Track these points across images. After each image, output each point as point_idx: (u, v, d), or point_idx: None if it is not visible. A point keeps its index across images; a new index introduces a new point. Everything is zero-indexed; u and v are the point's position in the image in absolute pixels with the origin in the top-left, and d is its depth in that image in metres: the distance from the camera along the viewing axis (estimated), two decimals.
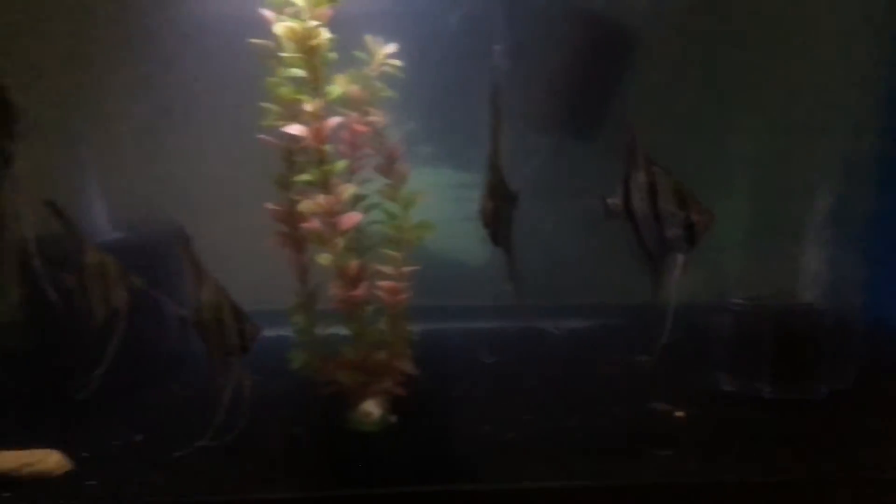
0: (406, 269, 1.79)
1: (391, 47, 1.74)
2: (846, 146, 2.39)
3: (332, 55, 1.61)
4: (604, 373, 2.08)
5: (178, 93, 2.15)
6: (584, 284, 2.36)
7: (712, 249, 1.61)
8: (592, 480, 1.56)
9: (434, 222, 1.83)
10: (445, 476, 1.60)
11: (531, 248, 2.28)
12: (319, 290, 1.83)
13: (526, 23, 2.16)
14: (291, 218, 1.77)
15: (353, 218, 1.69)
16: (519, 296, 1.71)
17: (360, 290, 1.74)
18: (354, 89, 1.69)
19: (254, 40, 1.68)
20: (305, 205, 1.66)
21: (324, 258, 1.72)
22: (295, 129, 1.61)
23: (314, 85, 1.59)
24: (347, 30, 1.67)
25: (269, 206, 1.77)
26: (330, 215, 1.68)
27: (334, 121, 1.62)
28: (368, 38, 1.73)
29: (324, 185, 1.66)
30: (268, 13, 1.69)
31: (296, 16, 1.62)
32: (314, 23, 1.55)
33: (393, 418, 1.77)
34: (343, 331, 1.81)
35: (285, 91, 1.67)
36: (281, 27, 1.55)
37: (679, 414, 1.81)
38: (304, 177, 1.66)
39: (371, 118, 1.77)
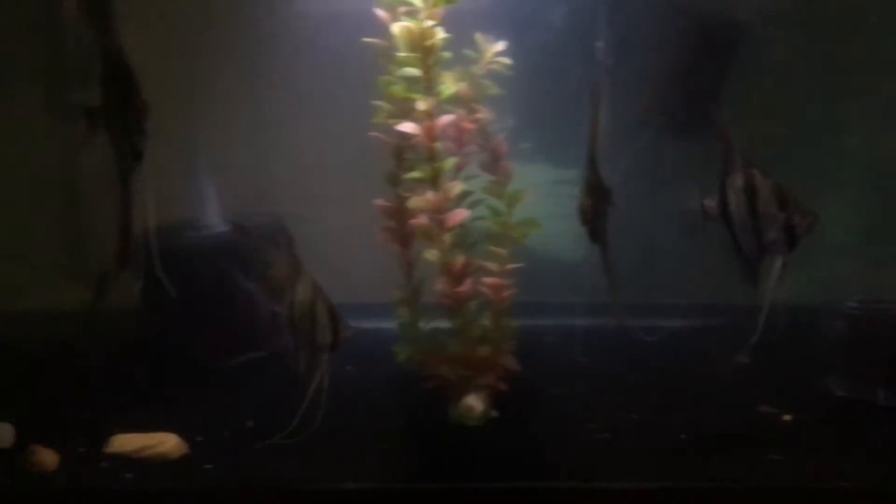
0: (510, 265, 1.80)
1: (500, 45, 1.75)
2: None
3: (446, 54, 1.62)
4: (705, 373, 2.05)
5: (289, 90, 2.21)
6: (683, 283, 2.33)
7: (824, 251, 1.58)
8: (701, 482, 1.55)
9: (537, 220, 1.84)
10: (548, 473, 1.61)
11: (629, 245, 2.29)
12: (423, 284, 1.86)
13: (630, 18, 2.14)
14: (400, 214, 1.80)
15: (460, 214, 1.71)
16: (613, 293, 1.69)
17: (465, 286, 1.76)
18: (462, 87, 1.70)
19: (368, 39, 1.72)
20: (415, 201, 1.69)
21: (431, 254, 1.74)
22: (408, 126, 1.63)
23: (428, 84, 1.61)
24: (451, 25, 1.69)
25: (379, 202, 1.80)
26: (438, 212, 1.71)
27: (446, 119, 1.64)
28: (478, 37, 1.74)
29: (433, 182, 1.68)
30: (382, 13, 1.73)
31: (410, 15, 1.65)
32: (430, 22, 1.57)
33: (494, 413, 1.79)
34: (445, 325, 1.83)
35: (397, 89, 1.70)
36: (398, 27, 1.58)
37: (787, 417, 1.78)
38: (415, 174, 1.69)
39: (477, 115, 1.78)
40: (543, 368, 2.01)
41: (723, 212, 1.59)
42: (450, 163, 1.67)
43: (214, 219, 2.08)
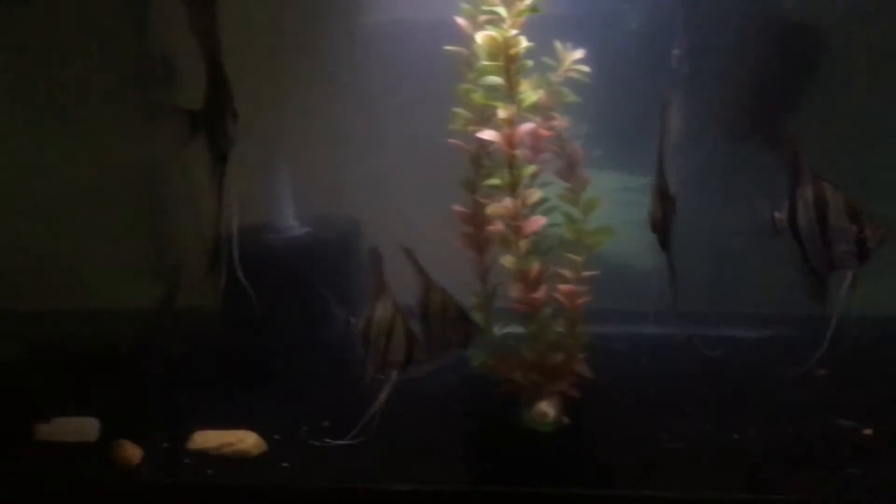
0: (585, 273, 1.80)
1: (579, 53, 1.75)
2: None
3: (529, 63, 1.63)
4: (780, 384, 2.02)
5: (366, 94, 2.24)
6: (757, 292, 2.30)
7: None
8: (778, 495, 1.54)
9: (612, 227, 1.84)
10: (621, 481, 1.61)
11: (702, 253, 2.27)
12: (497, 289, 1.87)
13: (707, 24, 2.13)
14: (476, 220, 1.82)
15: (537, 222, 1.72)
16: (674, 302, 1.67)
17: (540, 293, 1.76)
18: (541, 94, 1.71)
19: (449, 47, 1.74)
20: (493, 208, 1.70)
21: (507, 260, 1.76)
22: (488, 133, 1.65)
23: (509, 92, 1.62)
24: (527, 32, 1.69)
25: (457, 207, 1.82)
26: (515, 218, 1.72)
27: (526, 126, 1.65)
28: (558, 45, 1.74)
29: (512, 189, 1.69)
30: (462, 21, 1.75)
31: (491, 23, 1.67)
32: (514, 31, 1.58)
33: (566, 420, 1.80)
34: (520, 330, 1.84)
35: (477, 97, 1.71)
36: (481, 36, 1.59)
37: (867, 432, 1.75)
38: (494, 181, 1.70)
39: (554, 122, 1.79)
40: (614, 376, 2.01)
41: (792, 224, 1.58)
42: (529, 170, 1.68)
43: (292, 221, 2.12)
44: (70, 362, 2.16)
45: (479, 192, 1.81)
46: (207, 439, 1.76)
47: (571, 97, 1.78)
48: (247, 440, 1.75)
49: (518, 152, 1.67)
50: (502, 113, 1.64)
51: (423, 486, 1.61)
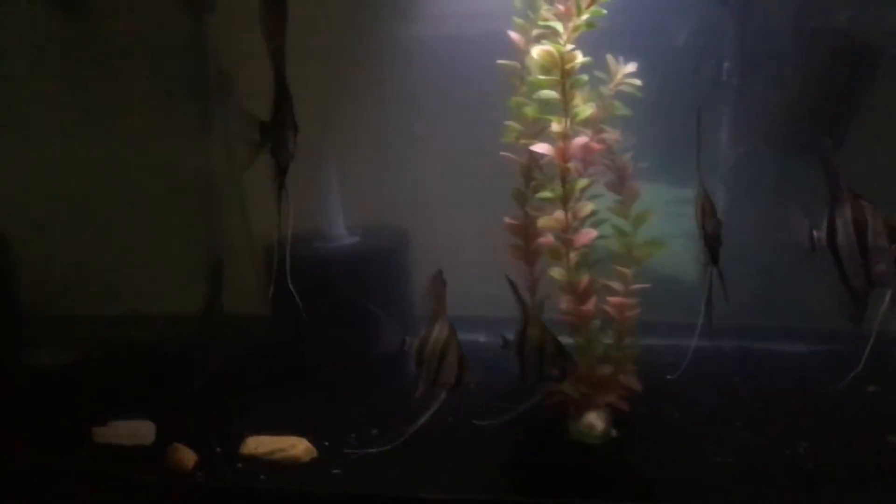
0: (636, 286, 1.80)
1: (631, 66, 1.76)
2: None
3: (584, 77, 1.65)
4: (829, 400, 2.01)
5: (413, 104, 2.27)
6: (803, 306, 2.28)
7: None
8: None
9: (662, 240, 1.84)
10: (670, 495, 1.61)
11: (747, 267, 2.26)
12: (546, 301, 1.88)
13: (758, 39, 2.12)
14: (526, 232, 1.83)
15: (588, 234, 1.73)
16: (708, 315, 1.69)
17: (590, 305, 1.77)
18: (594, 108, 1.72)
19: (501, 61, 1.76)
20: (545, 220, 1.71)
21: (557, 272, 1.77)
22: (542, 147, 1.66)
23: (564, 106, 1.63)
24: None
25: (508, 219, 1.84)
26: (566, 231, 1.73)
27: (580, 140, 1.66)
28: (610, 58, 1.75)
29: (564, 202, 1.70)
30: (515, 35, 1.77)
31: (545, 37, 1.68)
32: (570, 46, 1.60)
33: (614, 432, 1.80)
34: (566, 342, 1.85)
35: (530, 110, 1.73)
36: (538, 51, 1.61)
37: None
38: (546, 193, 1.71)
39: (605, 135, 1.79)
40: (663, 389, 2.00)
41: (831, 243, 1.57)
42: (581, 183, 1.69)
43: (341, 230, 2.15)
44: (126, 366, 2.21)
45: (529, 204, 1.82)
46: (259, 444, 1.78)
47: (623, 110, 1.79)
48: (298, 446, 1.77)
49: (571, 165, 1.68)
50: (556, 126, 1.66)
51: (470, 495, 1.62)
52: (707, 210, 1.62)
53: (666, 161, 2.32)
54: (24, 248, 2.35)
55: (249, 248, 2.35)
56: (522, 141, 1.77)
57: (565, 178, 1.68)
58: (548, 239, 1.77)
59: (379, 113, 2.27)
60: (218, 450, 1.80)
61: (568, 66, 1.60)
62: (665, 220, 2.17)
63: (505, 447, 1.80)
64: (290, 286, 1.56)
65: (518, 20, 1.78)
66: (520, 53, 1.79)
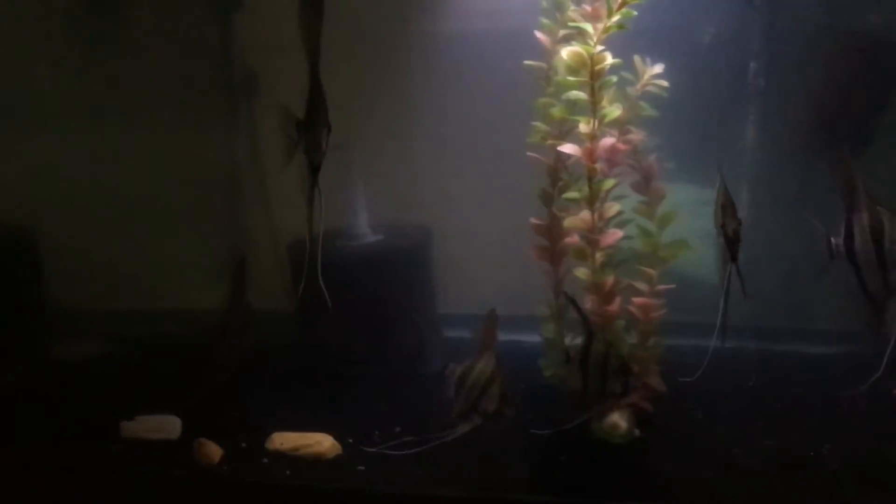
0: (660, 286, 1.81)
1: (658, 67, 1.76)
2: None
3: (613, 78, 1.65)
4: (851, 402, 2.00)
5: (436, 102, 2.28)
6: (826, 308, 2.28)
7: None
8: None
9: (687, 241, 1.84)
10: (694, 496, 1.61)
11: (770, 268, 2.25)
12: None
13: (786, 40, 2.12)
14: (551, 232, 1.84)
15: (614, 235, 1.73)
16: (724, 314, 1.68)
17: (614, 305, 1.78)
18: (622, 110, 1.72)
19: (528, 62, 1.77)
20: (571, 221, 1.72)
21: (582, 272, 1.77)
22: (569, 147, 1.67)
23: (593, 107, 1.64)
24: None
25: (533, 220, 1.85)
26: (592, 231, 1.73)
27: (607, 141, 1.66)
28: (637, 59, 1.76)
29: (590, 203, 1.70)
30: (542, 36, 1.77)
31: (572, 38, 1.69)
32: (600, 48, 1.60)
33: (637, 432, 1.80)
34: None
35: (557, 111, 1.74)
36: (567, 51, 1.61)
37: None
38: (573, 194, 1.72)
39: (631, 136, 1.80)
40: (686, 390, 2.00)
41: (849, 249, 1.57)
42: (608, 184, 1.69)
43: (365, 229, 2.16)
44: (152, 362, 2.23)
45: (555, 204, 1.83)
46: (285, 440, 1.80)
47: (650, 111, 1.79)
48: (323, 443, 1.78)
49: (599, 166, 1.68)
50: (584, 127, 1.66)
51: (492, 494, 1.63)
52: (728, 210, 1.61)
53: (688, 162, 2.32)
54: (52, 243, 2.37)
55: (272, 244, 2.36)
56: (549, 141, 1.78)
57: (592, 179, 1.69)
58: (573, 239, 1.77)
59: (402, 111, 2.28)
60: (243, 445, 1.82)
61: (597, 68, 1.60)
62: (689, 221, 2.19)
63: (527, 446, 1.81)
64: (322, 285, 1.56)
65: (545, 21, 1.79)
66: (546, 54, 1.80)
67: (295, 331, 2.18)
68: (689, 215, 2.22)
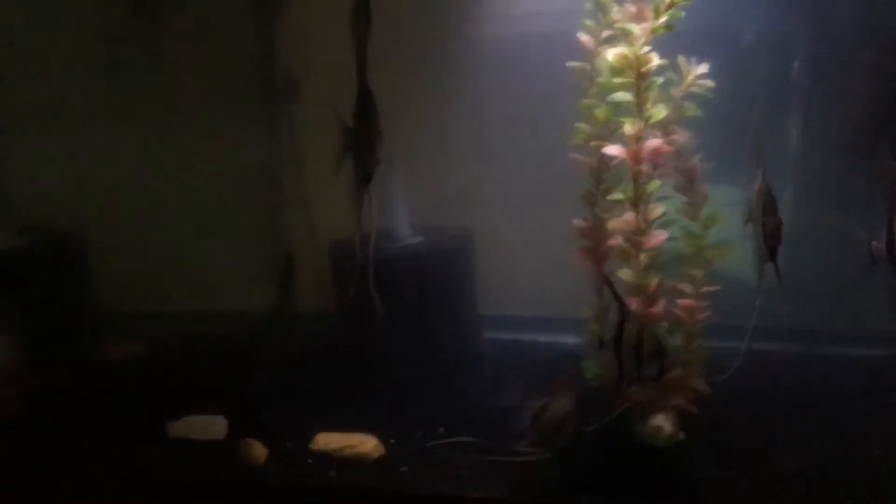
0: (705, 288, 1.79)
1: (703, 67, 1.75)
2: None
3: (659, 80, 1.64)
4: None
5: (478, 106, 2.28)
6: (869, 311, 2.25)
7: None
8: None
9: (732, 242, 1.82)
10: (738, 499, 1.60)
11: (814, 269, 2.23)
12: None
13: (832, 38, 2.09)
14: (595, 234, 1.84)
15: (659, 237, 1.72)
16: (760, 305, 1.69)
17: (658, 307, 1.77)
18: (666, 110, 1.71)
19: (572, 63, 1.77)
20: (616, 222, 1.71)
21: (626, 274, 1.76)
22: (615, 149, 1.66)
23: (638, 108, 1.63)
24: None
25: (576, 221, 1.84)
26: (636, 233, 1.73)
27: (653, 142, 1.66)
28: (681, 59, 1.74)
29: (635, 204, 1.70)
30: (584, 37, 1.77)
31: (615, 39, 1.68)
32: (646, 49, 1.60)
33: (681, 435, 1.79)
34: None
35: (601, 112, 1.73)
36: (613, 53, 1.61)
37: None
38: (617, 195, 1.71)
39: (675, 137, 1.79)
40: (730, 393, 1.99)
41: (890, 254, 1.55)
42: (653, 185, 1.68)
43: (405, 230, 2.17)
44: (200, 362, 2.26)
45: (598, 205, 1.82)
46: (329, 441, 1.81)
47: (694, 112, 1.78)
48: (366, 443, 1.79)
49: (642, 167, 1.68)
50: (629, 129, 1.66)
51: (533, 497, 1.63)
52: (769, 208, 1.60)
53: (730, 163, 2.30)
54: (96, 246, 2.41)
55: (313, 246, 2.38)
56: (593, 143, 1.77)
57: (637, 181, 1.68)
58: (617, 241, 1.77)
59: (443, 112, 2.29)
60: (287, 445, 1.83)
61: (643, 69, 1.60)
62: (731, 222, 2.17)
63: (569, 448, 1.80)
64: (373, 291, 1.56)
65: (588, 22, 1.78)
66: (589, 55, 1.79)
67: (336, 332, 2.19)
68: (730, 216, 2.21)
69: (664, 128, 1.77)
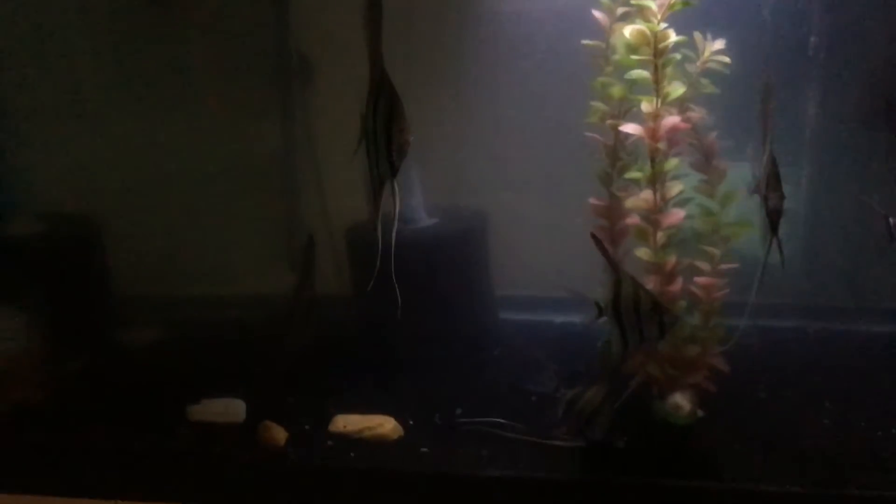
0: (723, 266, 1.79)
1: (719, 43, 1.73)
2: None
3: (677, 56, 1.63)
4: None
5: (493, 86, 2.27)
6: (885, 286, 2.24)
7: None
8: None
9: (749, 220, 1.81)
10: (757, 475, 1.60)
11: (836, 246, 2.22)
12: None
13: (846, 13, 2.07)
14: (611, 213, 1.83)
15: (677, 215, 1.72)
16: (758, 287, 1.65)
17: (676, 285, 1.76)
18: (684, 87, 1.70)
19: (587, 41, 1.75)
20: (633, 201, 1.71)
21: (643, 252, 1.76)
22: (631, 127, 1.65)
23: (656, 86, 1.62)
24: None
25: (593, 201, 1.84)
26: (653, 212, 1.72)
27: (671, 120, 1.64)
28: (697, 35, 1.72)
29: (652, 183, 1.69)
30: (599, 14, 1.75)
31: (631, 16, 1.67)
32: (663, 25, 1.58)
33: (700, 413, 1.79)
34: None
35: (617, 90, 1.72)
36: (630, 30, 1.59)
37: None
38: (635, 174, 1.70)
39: (691, 114, 1.77)
40: (749, 371, 1.98)
41: None
42: (671, 163, 1.67)
43: (421, 213, 2.16)
44: (219, 346, 2.27)
45: (615, 185, 1.81)
46: (348, 423, 1.82)
47: (711, 88, 1.76)
48: (385, 425, 1.80)
49: (661, 145, 1.66)
50: (646, 107, 1.64)
51: (555, 475, 1.64)
52: (772, 182, 1.58)
53: (748, 140, 2.29)
54: (117, 231, 2.42)
55: (328, 231, 2.38)
56: (609, 121, 1.76)
57: (654, 159, 1.67)
58: (634, 219, 1.76)
59: (458, 93, 2.28)
60: (307, 428, 1.84)
61: (661, 46, 1.58)
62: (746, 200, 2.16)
63: (587, 426, 1.80)
64: (394, 281, 1.55)
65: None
66: (604, 33, 1.78)
67: (353, 314, 2.20)
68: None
69: (680, 105, 1.76)
